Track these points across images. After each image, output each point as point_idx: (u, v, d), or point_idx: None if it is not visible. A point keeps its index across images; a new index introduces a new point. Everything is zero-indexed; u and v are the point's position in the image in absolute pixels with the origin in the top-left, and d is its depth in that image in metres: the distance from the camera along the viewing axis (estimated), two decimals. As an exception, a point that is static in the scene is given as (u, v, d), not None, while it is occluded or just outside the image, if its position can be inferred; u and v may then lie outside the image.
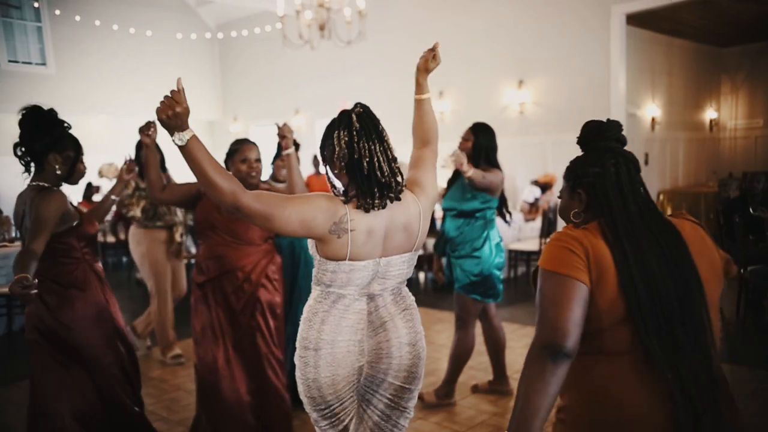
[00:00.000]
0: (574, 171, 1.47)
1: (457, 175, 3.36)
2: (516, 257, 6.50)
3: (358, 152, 1.62)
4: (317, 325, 1.72)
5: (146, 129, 2.73)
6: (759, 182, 5.17)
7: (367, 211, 1.63)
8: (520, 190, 8.68)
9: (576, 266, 1.27)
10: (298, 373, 1.76)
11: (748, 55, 10.80)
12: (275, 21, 10.06)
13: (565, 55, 8.40)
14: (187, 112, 1.62)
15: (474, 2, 9.15)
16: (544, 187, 7.42)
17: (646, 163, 9.24)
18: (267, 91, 12.26)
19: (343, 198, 1.68)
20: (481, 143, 3.31)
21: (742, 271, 4.77)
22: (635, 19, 8.19)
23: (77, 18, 10.23)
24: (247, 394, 2.76)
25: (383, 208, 1.65)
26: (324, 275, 1.71)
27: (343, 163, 1.65)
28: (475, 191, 3.22)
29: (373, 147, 1.63)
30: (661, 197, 9.35)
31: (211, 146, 13.01)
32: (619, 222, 1.33)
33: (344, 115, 1.67)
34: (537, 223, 7.03)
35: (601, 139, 1.45)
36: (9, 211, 6.94)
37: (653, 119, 9.31)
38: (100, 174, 5.05)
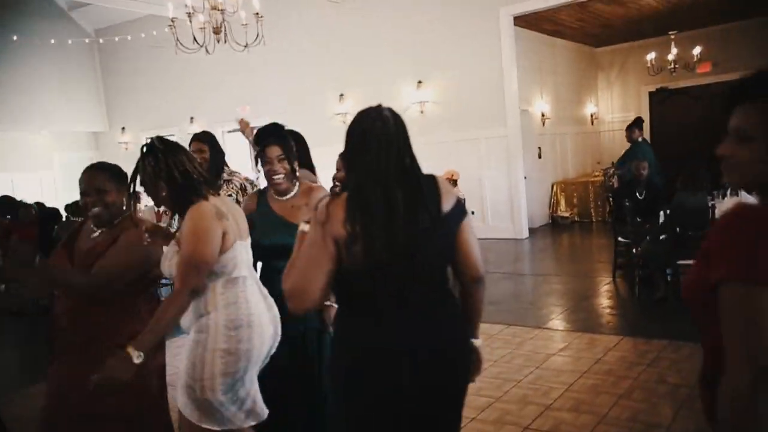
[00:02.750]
0: None
1: None
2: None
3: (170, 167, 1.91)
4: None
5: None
6: (644, 169, 5.65)
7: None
8: (426, 188, 8.85)
9: None
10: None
11: (619, 54, 11.82)
12: (162, 25, 9.51)
13: (461, 55, 8.70)
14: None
15: (371, 5, 9.23)
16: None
17: (540, 156, 9.82)
18: (158, 99, 11.56)
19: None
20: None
21: (634, 250, 5.18)
22: (522, 21, 8.67)
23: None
24: None
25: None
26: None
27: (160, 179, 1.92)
28: None
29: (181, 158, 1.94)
30: (555, 188, 9.97)
31: (96, 159, 12.05)
32: None
33: (146, 147, 1.96)
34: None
35: None
36: None
37: (543, 115, 9.91)
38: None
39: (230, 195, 3.11)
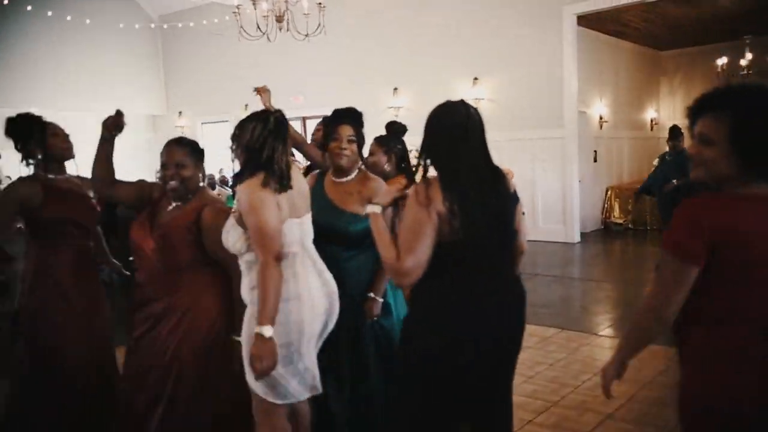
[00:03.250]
0: None
1: None
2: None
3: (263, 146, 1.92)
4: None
5: (113, 124, 2.44)
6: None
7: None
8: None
9: None
10: None
11: (685, 58, 11.38)
12: (224, 12, 9.70)
13: (520, 53, 8.54)
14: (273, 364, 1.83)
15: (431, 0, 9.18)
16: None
17: (595, 160, 9.56)
18: (215, 86, 11.81)
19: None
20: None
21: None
22: (584, 20, 8.43)
23: (5, 1, 9.50)
24: None
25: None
26: None
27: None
28: None
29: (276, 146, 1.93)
30: (609, 193, 9.69)
31: (154, 141, 12.43)
32: None
33: (264, 114, 1.97)
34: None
35: None
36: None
37: (601, 117, 9.63)
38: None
39: None
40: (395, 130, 2.86)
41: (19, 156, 2.57)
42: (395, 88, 9.66)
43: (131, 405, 2.14)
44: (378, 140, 2.81)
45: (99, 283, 2.68)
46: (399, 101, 9.62)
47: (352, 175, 2.39)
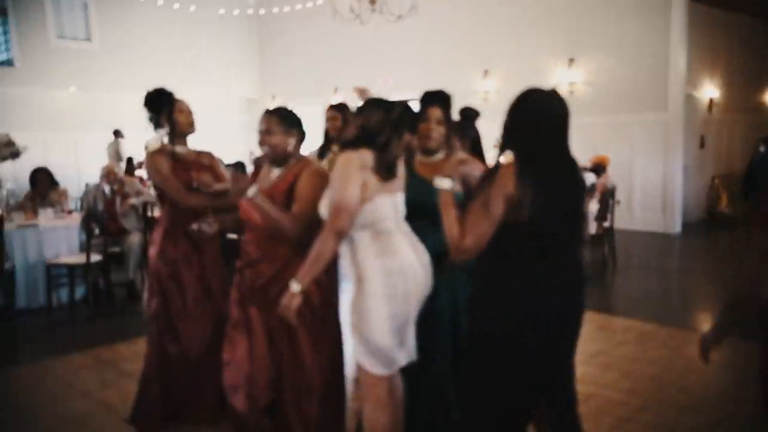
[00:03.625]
0: None
1: None
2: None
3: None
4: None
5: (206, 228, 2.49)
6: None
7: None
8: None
9: None
10: None
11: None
12: (318, -4, 9.90)
13: (621, 32, 8.06)
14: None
15: (526, -24, 8.84)
16: (598, 169, 7.17)
17: (702, 146, 8.89)
18: (306, 70, 12.12)
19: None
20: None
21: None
22: (697, -6, 7.81)
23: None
24: None
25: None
26: None
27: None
28: None
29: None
30: (716, 181, 9.00)
31: (249, 124, 12.99)
32: None
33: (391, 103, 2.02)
34: (593, 207, 6.81)
35: None
36: (65, 183, 7.01)
37: (711, 101, 8.92)
38: (146, 149, 4.97)
39: None
40: (468, 115, 2.83)
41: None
42: (486, 71, 9.45)
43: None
44: (452, 126, 2.78)
45: (219, 251, 2.85)
46: (488, 85, 9.41)
47: (441, 155, 2.40)
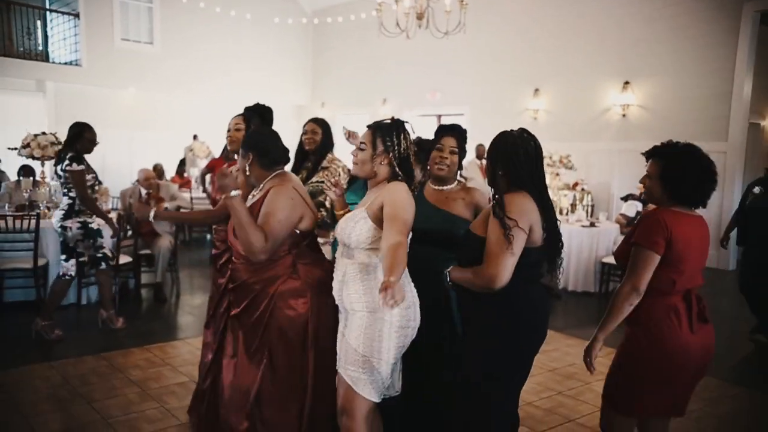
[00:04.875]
0: None
1: None
2: (609, 271, 6.01)
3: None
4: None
5: None
6: None
7: None
8: (615, 197, 8.09)
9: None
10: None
11: None
12: (371, 8, 9.94)
13: (681, 56, 7.67)
14: None
15: (582, -5, 8.58)
16: (644, 198, 6.82)
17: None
18: (356, 80, 12.20)
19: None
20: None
21: None
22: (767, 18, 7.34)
23: (184, 0, 10.60)
24: None
25: None
26: None
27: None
28: None
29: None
30: (779, 218, 8.38)
31: (296, 130, 13.17)
32: None
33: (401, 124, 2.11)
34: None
35: None
36: (110, 183, 7.29)
37: (777, 131, 8.37)
38: (191, 150, 5.10)
39: (322, 181, 3.04)
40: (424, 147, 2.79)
41: None
42: (536, 89, 9.21)
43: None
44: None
45: None
46: (538, 103, 9.17)
47: (452, 185, 2.51)
